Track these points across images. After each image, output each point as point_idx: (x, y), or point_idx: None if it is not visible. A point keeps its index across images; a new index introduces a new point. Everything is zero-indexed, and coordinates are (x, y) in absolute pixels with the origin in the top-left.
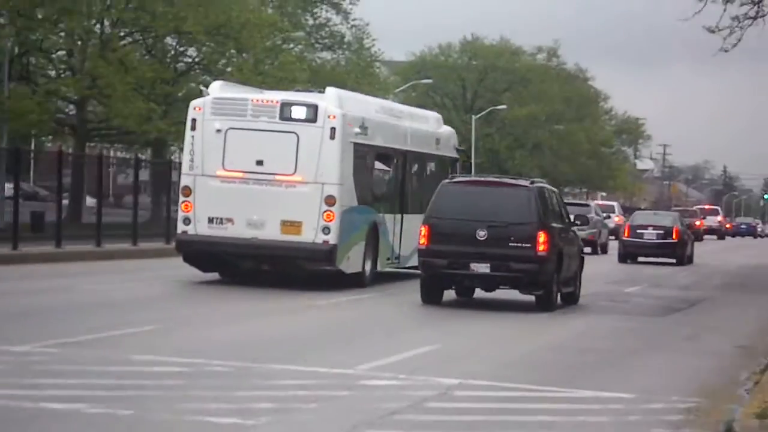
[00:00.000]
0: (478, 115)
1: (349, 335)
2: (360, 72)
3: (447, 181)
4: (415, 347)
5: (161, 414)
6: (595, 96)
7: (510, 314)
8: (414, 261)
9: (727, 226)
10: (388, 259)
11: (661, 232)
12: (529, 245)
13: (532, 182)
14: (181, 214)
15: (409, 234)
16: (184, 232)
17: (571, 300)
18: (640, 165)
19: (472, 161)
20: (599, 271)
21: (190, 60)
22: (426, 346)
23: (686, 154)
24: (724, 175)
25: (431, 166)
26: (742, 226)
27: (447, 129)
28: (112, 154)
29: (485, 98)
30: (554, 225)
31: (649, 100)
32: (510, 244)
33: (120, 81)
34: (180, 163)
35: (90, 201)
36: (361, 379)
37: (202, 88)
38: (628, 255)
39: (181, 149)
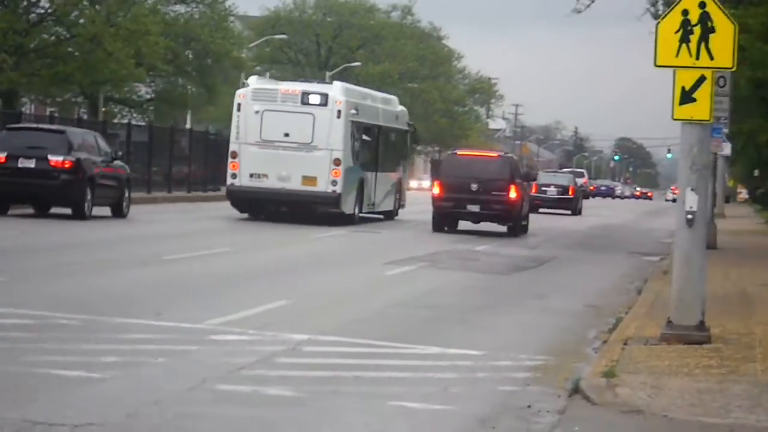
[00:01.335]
0: (332, 72)
1: (200, 289)
2: (214, 26)
3: (450, 152)
4: (265, 303)
5: (8, 366)
6: (448, 55)
7: (360, 271)
8: (383, 207)
9: (591, 188)
10: (368, 204)
11: (561, 189)
12: (504, 194)
13: (505, 153)
14: (229, 171)
15: (380, 187)
16: (232, 184)
17: (524, 230)
18: (492, 124)
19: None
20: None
21: (42, 11)
22: (276, 302)
23: (538, 115)
24: (575, 135)
25: (393, 136)
26: (602, 188)
27: (402, 108)
28: None
29: (339, 55)
30: (518, 180)
31: (502, 60)
32: (493, 193)
33: None
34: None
35: None
36: (210, 334)
37: (244, 81)
38: (533, 207)
39: (31, 100)
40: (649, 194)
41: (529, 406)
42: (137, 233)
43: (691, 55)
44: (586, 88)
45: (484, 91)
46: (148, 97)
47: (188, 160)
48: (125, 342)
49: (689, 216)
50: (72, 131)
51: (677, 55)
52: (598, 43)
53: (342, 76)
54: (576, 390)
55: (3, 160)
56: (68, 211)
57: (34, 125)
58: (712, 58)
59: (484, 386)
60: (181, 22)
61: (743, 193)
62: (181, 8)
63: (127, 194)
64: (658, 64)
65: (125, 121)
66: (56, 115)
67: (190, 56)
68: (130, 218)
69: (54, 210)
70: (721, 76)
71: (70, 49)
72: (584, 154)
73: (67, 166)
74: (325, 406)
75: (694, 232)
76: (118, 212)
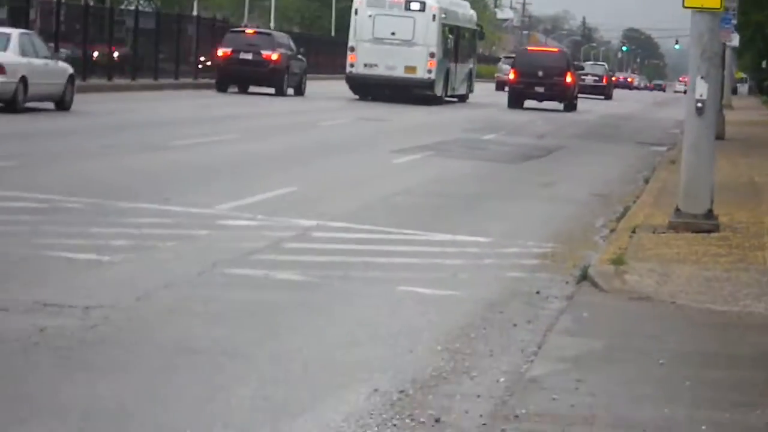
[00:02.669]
0: None
1: (208, 176)
2: None
3: (521, 47)
4: (274, 189)
5: (17, 249)
6: None
7: (366, 158)
8: (460, 91)
9: (613, 79)
10: (451, 89)
11: (597, 77)
12: (562, 78)
13: (563, 49)
14: (348, 62)
15: (459, 75)
16: (350, 72)
17: (575, 107)
18: (500, 14)
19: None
20: (459, 117)
21: None
22: (284, 188)
23: (546, 4)
24: (583, 26)
25: (467, 35)
26: (620, 80)
27: (472, 11)
28: None
29: None
30: (572, 69)
31: None
32: (554, 78)
33: None
34: None
35: None
36: (219, 219)
37: None
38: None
39: None
40: (663, 86)
41: (537, 292)
42: (314, 106)
43: None
44: None
45: None
46: None
47: (196, 47)
48: (135, 226)
49: (699, 104)
50: (276, 34)
51: None
52: None
53: None
54: (584, 277)
55: (229, 54)
56: (272, 90)
57: (250, 29)
58: None
59: (493, 272)
60: None
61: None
62: None
63: (304, 79)
64: None
65: (132, 7)
66: (63, 0)
67: None
68: (306, 96)
69: (255, 90)
70: None
71: None
72: (592, 44)
73: (274, 58)
74: (334, 290)
75: (704, 120)
76: (299, 92)
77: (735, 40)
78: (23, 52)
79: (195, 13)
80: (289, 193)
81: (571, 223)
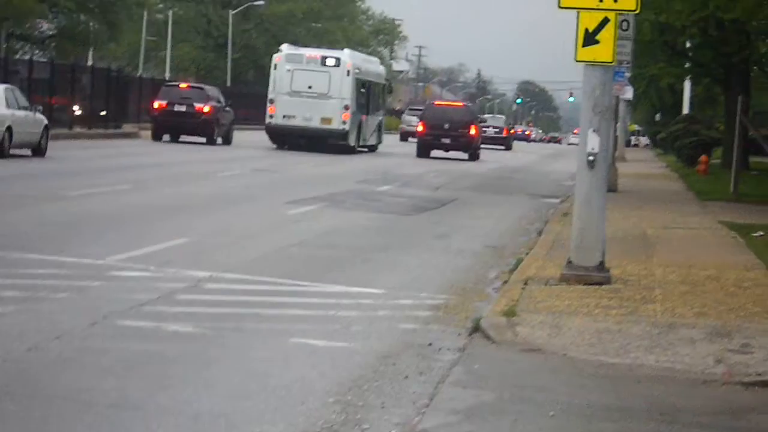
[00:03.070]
0: (235, 11)
1: (102, 227)
2: None
3: (429, 102)
4: (167, 240)
5: None
6: None
7: (260, 209)
8: (371, 141)
9: (511, 131)
10: (363, 140)
11: (497, 129)
12: (467, 131)
13: (467, 103)
14: (268, 113)
15: (370, 126)
16: (269, 123)
17: (478, 156)
18: (396, 66)
19: (228, 62)
20: (360, 167)
21: None
22: (177, 239)
23: (441, 57)
24: (478, 78)
25: (377, 89)
26: (518, 132)
27: (382, 67)
28: None
29: None
30: (476, 122)
31: (406, 1)
32: (459, 130)
33: None
34: None
35: None
36: (111, 270)
37: (279, 49)
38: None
39: None
40: (558, 138)
41: (429, 344)
42: (231, 155)
43: None
44: (489, 31)
45: (388, 32)
46: (50, 33)
47: (90, 97)
48: (26, 277)
49: (590, 158)
50: (208, 88)
51: None
52: None
53: (245, 16)
54: (476, 329)
55: (165, 106)
56: (203, 140)
57: (184, 83)
58: (615, 0)
59: (386, 324)
60: None
61: (642, 140)
62: None
63: (231, 129)
64: (561, 5)
65: (27, 57)
66: None
67: None
68: (233, 144)
69: (187, 139)
70: (625, 20)
71: None
72: (487, 96)
73: (206, 110)
74: (226, 342)
75: (595, 174)
76: (227, 141)
77: (629, 93)
78: (8, 104)
79: (90, 63)
80: (182, 244)
81: (465, 275)
